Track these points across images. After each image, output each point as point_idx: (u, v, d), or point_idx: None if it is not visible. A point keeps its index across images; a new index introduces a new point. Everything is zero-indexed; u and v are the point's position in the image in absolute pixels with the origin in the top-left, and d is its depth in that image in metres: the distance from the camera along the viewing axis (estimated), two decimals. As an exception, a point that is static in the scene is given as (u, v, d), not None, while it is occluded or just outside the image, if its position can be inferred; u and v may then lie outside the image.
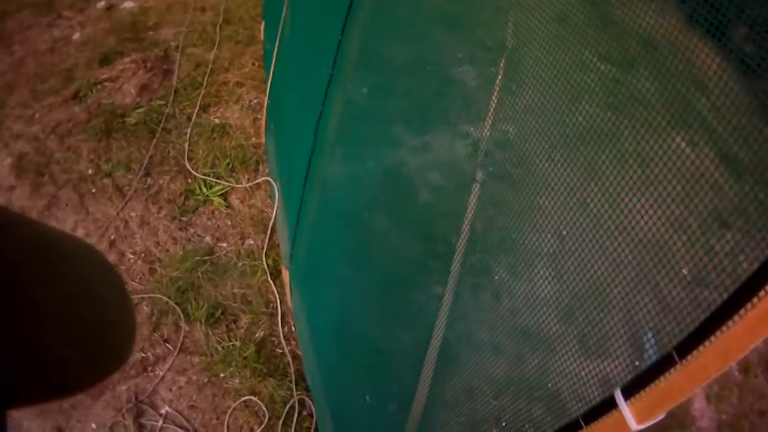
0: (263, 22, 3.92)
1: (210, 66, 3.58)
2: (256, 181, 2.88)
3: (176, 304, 2.46)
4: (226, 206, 2.77)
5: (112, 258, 2.71)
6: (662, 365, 0.50)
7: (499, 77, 0.83)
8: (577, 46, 0.63)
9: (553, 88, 0.64)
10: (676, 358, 0.49)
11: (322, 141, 1.81)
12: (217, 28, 4.09)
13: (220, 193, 2.80)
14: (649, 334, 0.53)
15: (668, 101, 0.55)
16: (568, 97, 0.62)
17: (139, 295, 2.52)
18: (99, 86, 3.65)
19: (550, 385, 0.64)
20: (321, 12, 1.95)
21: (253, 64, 3.64)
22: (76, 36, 4.49)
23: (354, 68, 1.59)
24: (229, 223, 2.72)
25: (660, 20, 0.53)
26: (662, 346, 0.50)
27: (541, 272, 0.68)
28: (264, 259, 2.54)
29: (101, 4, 4.91)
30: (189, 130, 3.12)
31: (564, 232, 0.61)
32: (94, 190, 3.03)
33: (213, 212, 2.77)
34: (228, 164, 2.94)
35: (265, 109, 3.04)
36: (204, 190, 2.82)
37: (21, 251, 0.29)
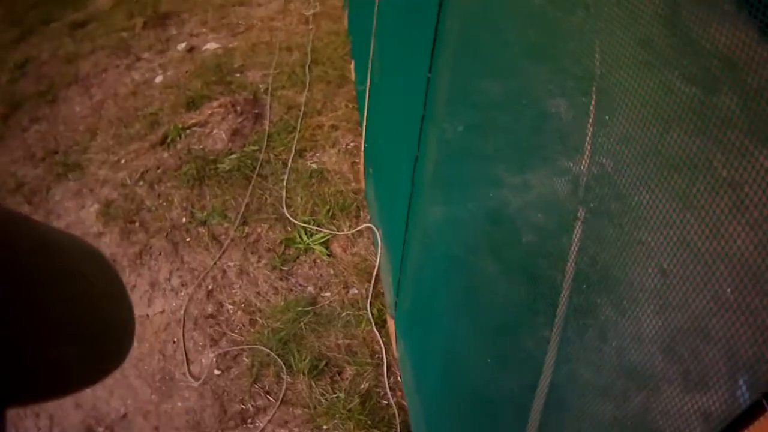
0: (353, 61, 4.70)
1: (302, 109, 4.32)
2: (358, 228, 3.45)
3: (278, 355, 2.99)
4: (328, 254, 3.35)
5: (209, 308, 3.35)
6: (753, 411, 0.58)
7: (592, 107, 0.99)
8: (661, 70, 0.77)
9: (644, 115, 0.77)
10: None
11: (420, 184, 2.17)
12: (306, 69, 4.90)
13: (321, 241, 3.40)
14: (742, 381, 0.64)
15: (753, 121, 0.66)
16: (658, 124, 0.75)
17: (239, 347, 3.10)
18: (188, 131, 4.50)
19: (653, 423, 0.76)
20: (407, 49, 2.40)
21: (347, 106, 4.35)
22: (159, 79, 5.52)
23: (447, 105, 1.92)
24: (331, 272, 3.29)
25: (734, 36, 0.65)
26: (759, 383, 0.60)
27: (646, 308, 0.79)
28: (369, 309, 3.05)
29: (182, 46, 5.99)
30: (286, 177, 3.80)
31: (665, 266, 0.72)
32: (188, 239, 3.74)
33: (315, 261, 3.36)
34: (328, 211, 3.56)
35: (362, 153, 3.69)
36: (304, 238, 3.44)
37: (19, 251, 0.36)
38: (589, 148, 0.99)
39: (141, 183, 4.20)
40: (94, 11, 8.14)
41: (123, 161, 4.50)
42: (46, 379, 0.39)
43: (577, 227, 1.02)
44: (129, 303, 0.49)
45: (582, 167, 1.01)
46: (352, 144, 3.84)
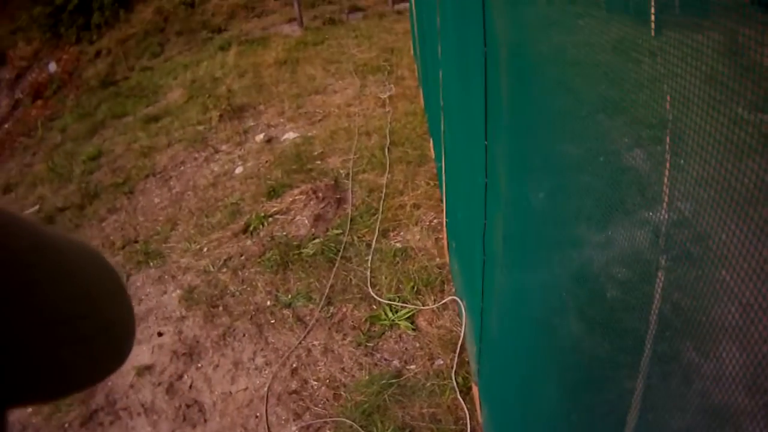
0: (431, 139, 5.75)
1: (384, 191, 5.38)
2: (443, 302, 4.31)
3: (361, 426, 3.78)
4: (413, 329, 4.20)
5: (293, 385, 4.22)
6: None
7: (667, 154, 1.18)
8: (728, 103, 0.94)
9: (717, 152, 0.95)
10: None
11: (491, 252, 2.88)
12: (386, 151, 6.06)
13: (406, 316, 4.27)
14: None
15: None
16: (731, 159, 0.92)
17: (323, 419, 3.92)
18: (270, 219, 5.65)
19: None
20: (467, 119, 3.22)
21: (428, 184, 5.38)
22: (238, 170, 6.84)
23: (511, 171, 2.31)
24: (417, 345, 4.11)
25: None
26: None
27: (728, 346, 0.95)
28: (453, 378, 3.81)
29: (260, 137, 7.39)
30: (370, 257, 4.77)
31: (745, 301, 0.88)
32: (273, 321, 4.72)
33: (400, 336, 4.21)
34: (413, 287, 4.46)
35: (445, 228, 4.60)
36: (389, 315, 4.32)
37: (17, 251, 0.46)
38: (666, 195, 1.16)
39: (224, 269, 5.30)
40: (167, 106, 9.99)
41: (205, 249, 5.66)
42: (46, 379, 0.48)
43: (660, 276, 1.20)
44: (129, 303, 0.60)
45: (661, 215, 1.19)
46: (435, 221, 4.80)
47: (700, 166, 1.03)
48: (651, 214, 1.29)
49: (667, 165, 1.18)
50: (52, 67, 15.00)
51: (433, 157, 5.51)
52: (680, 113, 1.10)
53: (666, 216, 1.20)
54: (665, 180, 1.19)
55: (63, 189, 7.91)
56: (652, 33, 1.23)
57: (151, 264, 5.76)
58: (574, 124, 1.81)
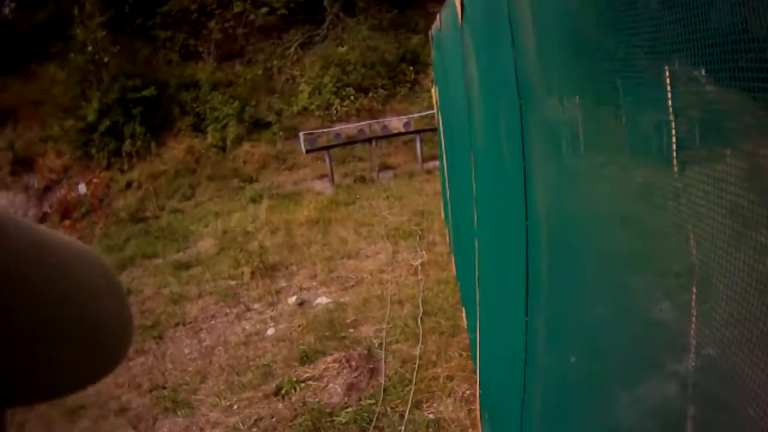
0: (464, 309, 6.29)
1: (417, 362, 5.87)
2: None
3: None
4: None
5: None
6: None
7: (694, 301, 1.27)
8: (752, 235, 0.99)
9: (742, 289, 0.99)
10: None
11: (529, 426, 3.38)
12: (419, 321, 6.61)
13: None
14: None
15: None
16: (756, 294, 0.96)
17: None
18: (302, 384, 6.12)
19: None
20: (504, 295, 3.62)
21: (461, 355, 5.88)
22: (270, 331, 7.40)
23: (553, 334, 2.45)
24: None
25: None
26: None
27: None
28: None
29: (293, 300, 8.02)
30: (402, 428, 5.19)
31: None
32: (303, 485, 5.08)
33: None
34: (444, 462, 4.84)
35: (477, 399, 5.03)
36: (420, 489, 4.69)
37: (12, 252, 0.49)
38: (694, 343, 1.21)
39: (254, 429, 5.72)
40: (197, 254, 10.74)
41: (235, 407, 6.12)
42: (43, 379, 0.52)
43: (688, 427, 1.27)
44: (126, 303, 0.65)
45: (689, 364, 1.25)
46: (468, 392, 5.28)
47: (727, 306, 1.08)
48: (679, 365, 1.37)
49: (694, 312, 1.24)
50: (82, 188, 16.21)
51: (466, 327, 6.01)
52: (705, 256, 1.18)
53: (693, 364, 1.26)
54: (692, 328, 1.25)
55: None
56: (675, 171, 1.31)
57: (179, 413, 6.22)
58: (604, 285, 1.94)
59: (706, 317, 1.21)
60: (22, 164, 17.72)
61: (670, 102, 1.26)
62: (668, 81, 1.25)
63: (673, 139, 1.25)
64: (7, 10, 22.69)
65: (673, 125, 1.25)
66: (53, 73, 18.42)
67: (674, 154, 1.27)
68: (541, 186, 2.46)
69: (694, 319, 1.24)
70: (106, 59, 18.41)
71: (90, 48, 18.20)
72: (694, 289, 1.24)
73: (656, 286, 1.58)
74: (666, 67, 1.26)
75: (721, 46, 1.01)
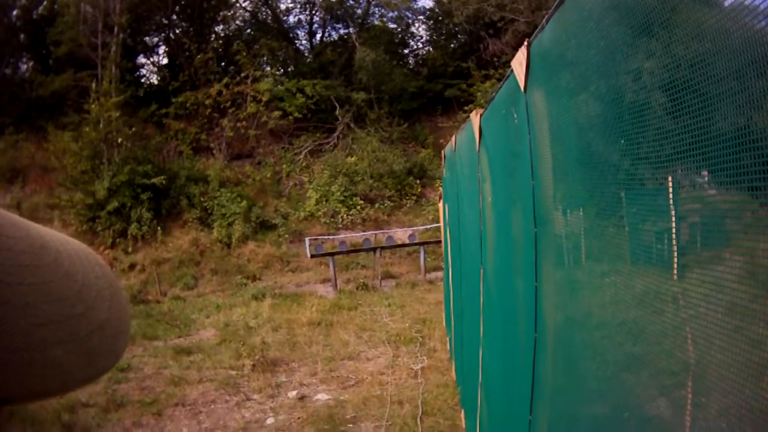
0: (463, 411, 6.63)
1: (417, 461, 6.20)
2: None
3: None
4: None
5: None
6: None
7: (689, 395, 1.31)
8: (749, 327, 1.05)
9: (737, 382, 1.05)
10: None
11: None
12: (418, 420, 6.94)
13: None
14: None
15: None
16: (750, 386, 1.02)
17: None
18: (303, 476, 6.39)
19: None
20: (510, 402, 3.93)
21: (459, 456, 6.19)
22: (270, 421, 7.71)
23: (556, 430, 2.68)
24: None
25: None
26: None
27: None
28: None
29: (293, 394, 8.36)
30: None
31: None
32: None
33: None
34: None
35: None
36: None
37: (12, 252, 0.51)
38: None
39: None
40: (199, 342, 11.13)
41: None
42: (40, 378, 0.51)
43: None
44: (124, 302, 0.66)
45: None
46: None
47: (722, 398, 1.14)
48: None
49: (689, 407, 1.29)
50: None
51: (464, 427, 6.34)
52: (702, 353, 1.23)
53: None
54: (687, 421, 1.31)
55: (89, 387, 8.65)
56: (675, 276, 1.36)
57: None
58: (600, 386, 2.07)
59: (701, 410, 1.30)
60: (27, 227, 18.13)
61: (672, 211, 1.42)
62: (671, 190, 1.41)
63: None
64: (24, 68, 23.73)
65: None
66: (66, 143, 19.18)
67: (675, 260, 1.39)
68: (550, 303, 2.71)
69: (688, 413, 1.33)
70: (119, 140, 19.29)
71: (103, 126, 19.10)
72: (689, 385, 1.33)
73: (652, 385, 1.65)
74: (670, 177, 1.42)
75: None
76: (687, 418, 1.34)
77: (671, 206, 1.45)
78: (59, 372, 0.54)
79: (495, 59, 22.31)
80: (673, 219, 1.41)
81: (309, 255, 15.92)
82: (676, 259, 1.39)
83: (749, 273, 1.12)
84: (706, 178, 1.31)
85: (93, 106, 19.16)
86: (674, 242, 1.38)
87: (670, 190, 1.43)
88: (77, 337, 0.56)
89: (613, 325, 1.93)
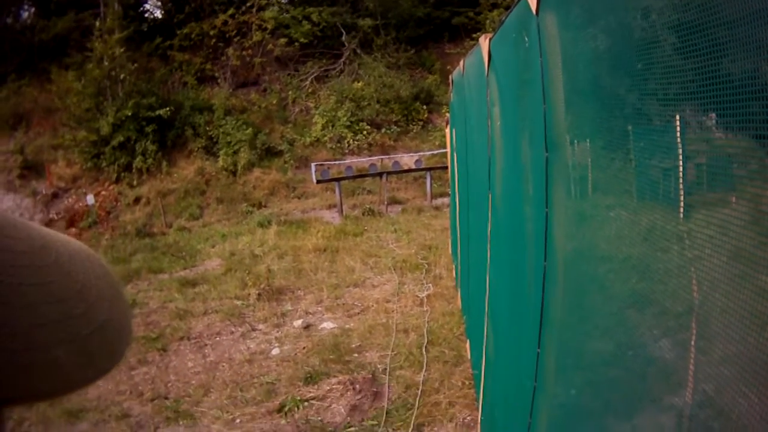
0: (468, 341, 6.51)
1: (420, 388, 6.08)
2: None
3: None
4: None
5: None
6: None
7: (692, 339, 1.33)
8: (753, 275, 1.05)
9: (741, 329, 1.06)
10: None
11: None
12: (423, 350, 6.83)
13: None
14: None
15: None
16: (754, 334, 1.03)
17: None
18: (306, 403, 6.33)
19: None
20: (515, 330, 3.86)
21: (464, 384, 6.09)
22: (275, 351, 7.62)
23: (563, 365, 2.63)
24: None
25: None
26: None
27: None
28: None
29: (298, 323, 8.26)
30: (403, 449, 5.39)
31: None
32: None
33: None
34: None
35: (479, 425, 5.23)
36: None
37: (12, 252, 0.51)
38: (691, 379, 1.27)
39: (257, 444, 5.87)
40: (204, 273, 11.01)
41: (238, 421, 6.34)
42: (41, 379, 0.52)
43: None
44: (125, 304, 0.66)
45: (686, 399, 1.31)
46: (468, 418, 5.54)
47: (725, 345, 1.16)
48: (676, 399, 1.45)
49: (692, 350, 1.31)
50: (90, 199, 16.59)
51: (469, 357, 6.22)
52: (706, 297, 1.25)
53: (690, 399, 1.33)
54: (690, 365, 1.32)
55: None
56: (681, 216, 1.38)
57: (181, 423, 6.42)
58: (606, 321, 2.07)
59: (704, 355, 1.30)
60: (31, 169, 18.15)
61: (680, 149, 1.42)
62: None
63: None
64: (25, 15, 23.23)
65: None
66: (69, 82, 18.94)
67: (681, 200, 1.38)
68: (560, 231, 2.66)
69: (692, 357, 1.34)
70: (122, 75, 19.04)
71: (107, 63, 18.84)
72: (693, 327, 1.35)
73: (656, 325, 1.67)
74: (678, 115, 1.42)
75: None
76: (690, 362, 1.33)
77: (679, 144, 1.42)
78: (60, 373, 0.54)
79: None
80: (680, 157, 1.40)
81: (315, 180, 15.78)
82: (682, 198, 1.38)
83: (754, 219, 1.12)
84: (714, 121, 1.31)
85: (96, 44, 18.82)
86: (680, 181, 1.38)
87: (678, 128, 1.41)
88: (78, 337, 0.56)
89: (630, 259, 1.88)
